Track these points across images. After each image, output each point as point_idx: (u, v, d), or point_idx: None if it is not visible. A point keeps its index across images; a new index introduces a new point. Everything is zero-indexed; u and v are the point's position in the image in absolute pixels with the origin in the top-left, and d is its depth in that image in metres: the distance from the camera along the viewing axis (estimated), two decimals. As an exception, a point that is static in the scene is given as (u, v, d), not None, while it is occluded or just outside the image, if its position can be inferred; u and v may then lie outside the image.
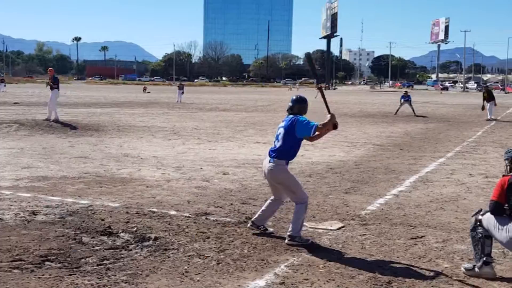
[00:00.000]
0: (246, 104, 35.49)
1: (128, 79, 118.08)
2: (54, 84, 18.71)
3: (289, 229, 5.46)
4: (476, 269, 4.62)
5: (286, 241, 5.43)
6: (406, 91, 29.97)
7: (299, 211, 5.48)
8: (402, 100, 27.85)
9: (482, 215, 4.70)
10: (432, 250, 5.38)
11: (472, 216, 4.81)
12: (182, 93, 36.86)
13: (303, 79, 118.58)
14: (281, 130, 5.53)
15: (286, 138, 5.46)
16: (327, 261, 4.94)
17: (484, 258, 4.59)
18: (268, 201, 5.90)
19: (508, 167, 4.72)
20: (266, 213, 5.83)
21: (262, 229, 5.83)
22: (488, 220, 4.63)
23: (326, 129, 5.44)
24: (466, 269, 4.71)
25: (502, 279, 4.60)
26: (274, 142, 5.61)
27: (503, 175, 4.68)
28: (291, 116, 5.56)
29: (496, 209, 4.59)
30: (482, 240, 4.62)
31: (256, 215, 5.88)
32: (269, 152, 5.60)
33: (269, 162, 5.54)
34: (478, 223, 4.68)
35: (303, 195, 5.57)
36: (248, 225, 5.91)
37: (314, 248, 5.31)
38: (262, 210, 5.85)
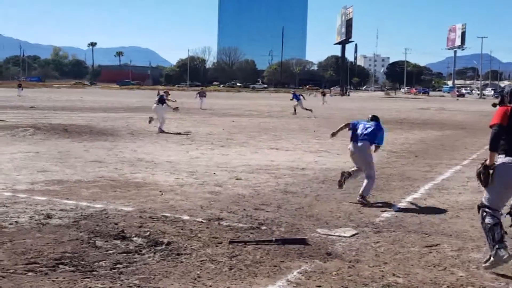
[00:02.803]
0: (259, 110, 35.51)
1: (29, 81, 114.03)
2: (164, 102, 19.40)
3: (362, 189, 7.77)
4: (492, 258, 4.66)
5: (358, 198, 7.69)
6: (294, 91, 31.34)
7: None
8: (295, 100, 29.42)
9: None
10: (447, 258, 5.31)
11: (478, 211, 4.88)
12: (205, 96, 38.20)
13: (307, 86, 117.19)
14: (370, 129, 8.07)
15: (374, 133, 8.10)
16: (340, 268, 4.90)
17: (497, 246, 4.62)
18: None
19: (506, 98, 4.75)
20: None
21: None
22: (484, 194, 4.78)
23: None
24: (485, 263, 4.75)
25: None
26: (362, 131, 7.99)
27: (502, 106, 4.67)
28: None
29: (499, 133, 4.56)
30: (492, 229, 4.67)
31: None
32: (359, 136, 7.97)
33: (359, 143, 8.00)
34: (483, 211, 4.74)
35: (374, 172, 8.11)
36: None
37: (327, 255, 5.28)
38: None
